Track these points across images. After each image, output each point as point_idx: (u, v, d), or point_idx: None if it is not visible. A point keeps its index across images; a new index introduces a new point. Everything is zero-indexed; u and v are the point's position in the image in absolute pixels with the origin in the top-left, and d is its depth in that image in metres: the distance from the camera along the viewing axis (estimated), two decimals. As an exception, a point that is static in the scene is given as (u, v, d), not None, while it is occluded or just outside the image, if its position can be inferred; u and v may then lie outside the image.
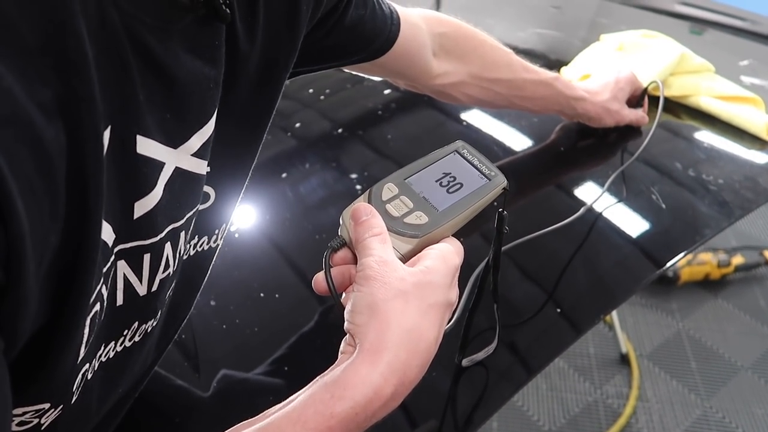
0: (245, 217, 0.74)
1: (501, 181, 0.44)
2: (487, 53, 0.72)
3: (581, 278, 0.67)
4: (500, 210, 0.45)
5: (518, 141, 0.86)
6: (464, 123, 0.89)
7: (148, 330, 0.41)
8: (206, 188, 0.43)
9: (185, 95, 0.36)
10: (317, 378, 0.36)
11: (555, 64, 1.00)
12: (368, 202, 0.42)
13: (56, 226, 0.28)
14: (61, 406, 0.35)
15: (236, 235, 0.71)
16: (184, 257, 0.43)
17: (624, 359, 1.72)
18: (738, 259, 1.93)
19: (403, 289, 0.37)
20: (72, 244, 0.29)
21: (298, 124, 0.90)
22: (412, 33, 0.63)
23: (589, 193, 0.75)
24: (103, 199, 0.30)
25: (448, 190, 0.44)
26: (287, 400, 0.35)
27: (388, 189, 0.43)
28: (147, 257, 0.37)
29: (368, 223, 0.40)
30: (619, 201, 0.73)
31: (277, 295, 0.65)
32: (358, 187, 0.77)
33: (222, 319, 0.62)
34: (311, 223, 0.75)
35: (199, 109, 0.38)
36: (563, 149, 0.84)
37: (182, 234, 0.40)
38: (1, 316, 0.26)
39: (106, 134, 0.31)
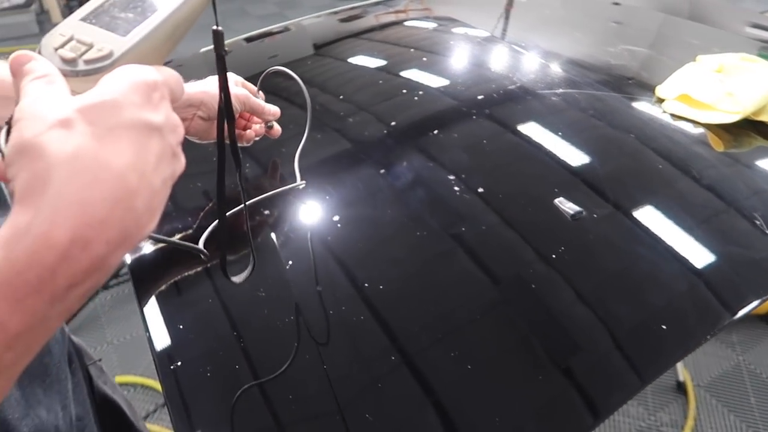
0: (344, 210, 0.76)
1: None
2: None
3: (663, 308, 0.64)
4: (214, 27, 0.37)
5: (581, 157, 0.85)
6: (531, 139, 0.89)
7: None
8: None
9: None
10: None
11: (648, 82, 1.00)
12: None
13: None
14: None
15: (339, 226, 0.73)
16: None
17: (680, 387, 1.69)
18: (806, 296, 1.86)
19: (62, 118, 0.29)
20: None
21: (392, 123, 0.93)
22: None
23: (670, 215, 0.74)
24: None
25: (137, 14, 0.35)
26: None
27: (60, 35, 0.35)
28: None
29: (28, 69, 0.32)
30: (714, 224, 0.72)
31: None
32: (457, 188, 0.78)
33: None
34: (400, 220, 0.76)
35: None
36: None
37: None
38: None
39: None
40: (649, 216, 0.75)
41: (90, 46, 0.34)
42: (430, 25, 1.37)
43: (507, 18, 1.36)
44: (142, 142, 0.30)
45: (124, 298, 2.09)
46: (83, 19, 0.36)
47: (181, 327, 0.64)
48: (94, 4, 0.37)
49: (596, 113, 0.92)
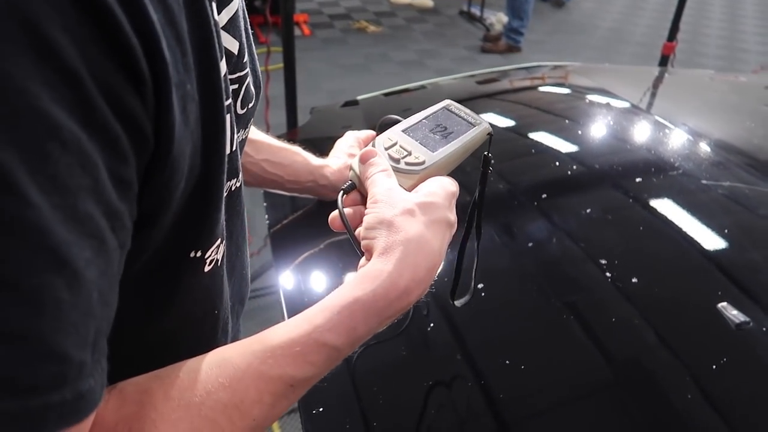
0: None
1: (486, 128, 0.52)
2: None
3: None
4: (486, 153, 0.52)
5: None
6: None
7: (233, 189, 0.48)
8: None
9: None
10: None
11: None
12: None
13: (189, 75, 0.33)
14: (225, 236, 0.43)
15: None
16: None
17: None
18: None
19: (408, 208, 0.44)
20: (206, 95, 0.35)
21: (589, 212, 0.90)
22: None
23: None
24: (218, 52, 0.36)
25: (440, 137, 0.50)
26: None
27: (388, 139, 0.51)
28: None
29: (375, 162, 0.48)
30: None
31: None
32: (608, 274, 0.74)
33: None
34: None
35: None
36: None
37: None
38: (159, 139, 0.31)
39: None
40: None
41: (409, 153, 0.49)
42: (567, 91, 1.34)
43: (654, 93, 1.30)
44: (445, 232, 0.45)
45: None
46: (404, 131, 0.51)
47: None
48: (411, 121, 0.52)
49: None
